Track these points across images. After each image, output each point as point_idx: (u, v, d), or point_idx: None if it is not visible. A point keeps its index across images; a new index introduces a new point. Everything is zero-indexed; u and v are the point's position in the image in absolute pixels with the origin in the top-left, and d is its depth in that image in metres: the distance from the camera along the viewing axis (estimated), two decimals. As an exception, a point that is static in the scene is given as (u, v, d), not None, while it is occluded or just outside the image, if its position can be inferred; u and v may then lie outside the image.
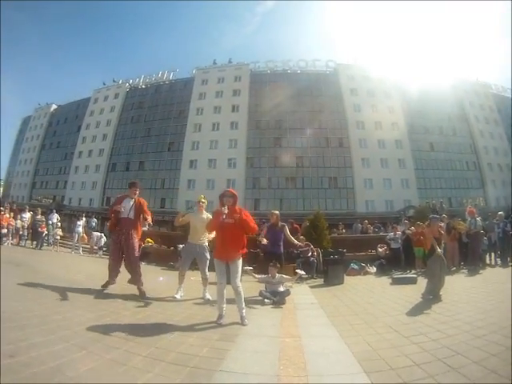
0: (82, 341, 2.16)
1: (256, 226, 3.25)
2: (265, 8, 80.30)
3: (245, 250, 3.13)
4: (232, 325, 2.89)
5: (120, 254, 4.07)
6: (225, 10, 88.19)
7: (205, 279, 4.18)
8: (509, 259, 8.01)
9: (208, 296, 4.07)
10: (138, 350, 2.07)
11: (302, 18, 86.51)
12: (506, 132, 36.95)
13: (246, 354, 2.16)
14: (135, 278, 4.07)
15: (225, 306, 3.01)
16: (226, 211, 2.99)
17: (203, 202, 4.32)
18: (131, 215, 4.10)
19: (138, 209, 4.15)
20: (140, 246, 9.22)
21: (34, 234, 10.38)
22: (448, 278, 5.45)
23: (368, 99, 33.15)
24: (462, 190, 33.56)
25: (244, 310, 3.02)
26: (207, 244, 4.28)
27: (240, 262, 3.08)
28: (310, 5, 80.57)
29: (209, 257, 4.22)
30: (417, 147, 33.05)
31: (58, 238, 10.69)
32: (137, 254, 4.12)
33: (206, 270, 4.19)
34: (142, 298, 3.90)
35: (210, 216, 4.08)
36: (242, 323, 2.92)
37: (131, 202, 4.16)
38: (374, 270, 7.43)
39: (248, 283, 5.56)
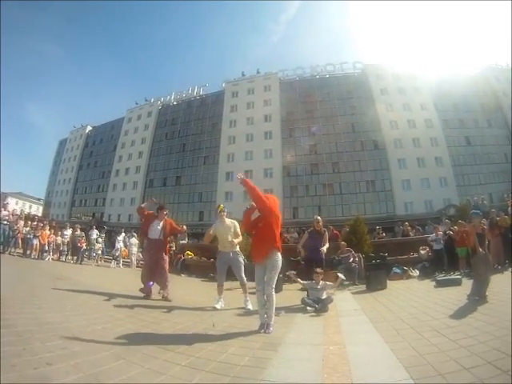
0: (121, 350, 2.17)
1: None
2: (288, 16, 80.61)
3: (278, 246, 3.09)
4: (275, 333, 2.83)
5: (152, 270, 4.58)
6: (248, 22, 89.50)
7: (243, 285, 4.20)
8: None
9: (249, 306, 4.01)
10: (177, 360, 2.04)
11: (325, 22, 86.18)
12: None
13: (288, 363, 2.10)
14: (165, 292, 4.57)
15: (265, 313, 2.99)
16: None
17: (223, 211, 4.36)
18: (161, 236, 4.64)
19: (168, 230, 4.71)
20: (179, 258, 9.61)
21: (74, 249, 10.87)
22: (493, 277, 5.20)
23: (399, 97, 32.53)
24: (502, 184, 32.04)
25: (273, 318, 2.97)
26: (239, 250, 4.35)
27: (276, 265, 3.02)
28: (331, 8, 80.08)
29: (243, 262, 4.29)
30: (453, 143, 31.94)
31: (100, 252, 11.24)
32: (167, 273, 4.64)
33: (243, 274, 4.21)
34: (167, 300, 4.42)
35: (234, 221, 4.35)
36: (266, 330, 2.85)
37: (161, 224, 4.68)
38: (416, 273, 7.23)
39: (289, 292, 5.57)
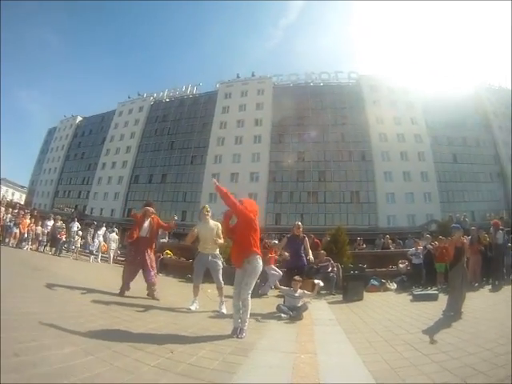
0: (92, 346, 2.16)
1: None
2: (287, 21, 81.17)
3: (256, 251, 3.05)
4: (247, 339, 2.84)
5: (136, 268, 4.59)
6: (248, 24, 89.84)
7: (220, 288, 4.19)
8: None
9: (224, 309, 4.02)
10: (147, 360, 2.04)
11: (324, 31, 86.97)
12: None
13: (258, 369, 2.10)
14: (152, 290, 4.57)
15: (240, 318, 2.98)
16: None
17: (208, 212, 4.32)
18: (148, 234, 4.67)
19: (155, 228, 4.77)
20: (158, 257, 9.51)
21: (53, 240, 10.67)
22: (470, 294, 5.23)
23: (391, 110, 32.78)
24: (485, 203, 32.52)
25: (246, 324, 2.96)
26: (218, 253, 4.31)
27: (255, 271, 3.00)
28: (332, 17, 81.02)
29: (221, 265, 4.26)
30: (440, 159, 32.38)
31: (78, 245, 11.02)
32: (153, 273, 4.64)
33: (220, 278, 4.20)
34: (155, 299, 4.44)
35: (217, 223, 4.25)
36: (239, 335, 2.84)
37: (147, 222, 4.69)
38: (394, 286, 7.28)
39: (266, 298, 5.62)
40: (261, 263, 3.07)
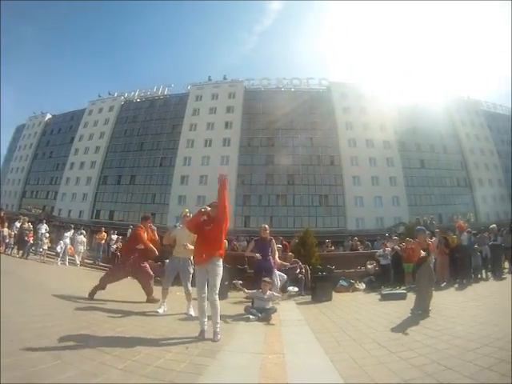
0: (59, 350, 2.17)
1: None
2: (262, 28, 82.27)
3: (222, 252, 3.11)
4: (213, 340, 2.86)
5: (124, 276, 4.84)
6: (223, 28, 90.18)
7: (188, 294, 4.22)
8: (506, 271, 8.09)
9: (191, 312, 4.04)
10: (114, 363, 2.05)
11: (297, 38, 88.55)
12: (497, 148, 37.65)
13: (225, 371, 2.12)
14: (151, 298, 4.73)
15: (206, 320, 2.98)
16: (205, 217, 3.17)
17: (188, 216, 4.33)
18: (141, 246, 4.86)
19: (148, 238, 4.94)
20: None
21: (20, 243, 10.38)
22: (438, 293, 5.39)
23: (360, 117, 33.56)
24: (452, 207, 33.69)
25: (218, 325, 2.96)
26: (191, 258, 4.26)
27: (219, 271, 3.03)
28: (306, 25, 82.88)
29: (192, 271, 4.22)
30: (408, 164, 33.37)
31: (46, 248, 10.65)
32: (151, 279, 4.88)
33: (189, 284, 4.21)
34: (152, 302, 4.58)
35: None
36: (214, 338, 2.84)
37: (145, 235, 4.88)
38: (363, 286, 7.42)
39: (234, 299, 5.59)
40: (222, 265, 3.11)
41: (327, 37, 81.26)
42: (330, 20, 79.42)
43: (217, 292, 2.99)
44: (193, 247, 3.99)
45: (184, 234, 4.21)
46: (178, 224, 4.68)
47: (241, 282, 5.11)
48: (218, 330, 2.92)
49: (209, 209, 3.17)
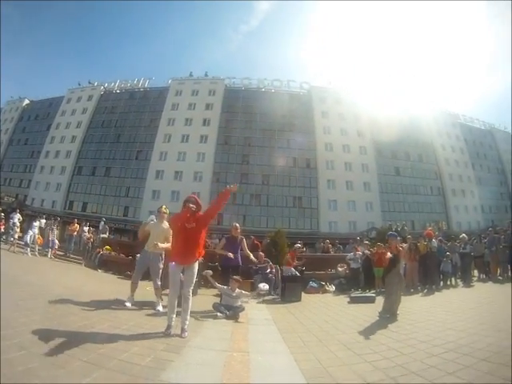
0: (25, 341, 2.17)
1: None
2: (248, 28, 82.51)
3: (203, 254, 3.16)
4: (180, 336, 2.86)
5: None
6: (209, 25, 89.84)
7: (157, 289, 4.19)
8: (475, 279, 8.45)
9: (159, 307, 4.03)
10: (78, 355, 2.07)
11: (283, 40, 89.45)
12: (472, 161, 39.02)
13: (188, 366, 2.12)
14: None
15: (174, 316, 2.96)
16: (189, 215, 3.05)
17: (164, 212, 4.32)
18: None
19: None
20: (98, 252, 9.43)
21: None
22: (407, 298, 5.48)
23: (338, 122, 34.18)
24: (425, 214, 34.67)
25: (187, 322, 2.94)
26: (162, 253, 4.24)
27: (196, 269, 3.08)
28: (292, 26, 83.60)
29: (161, 266, 4.23)
30: (383, 171, 34.11)
31: (17, 237, 10.51)
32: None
33: (158, 279, 4.19)
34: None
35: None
36: (182, 335, 2.82)
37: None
38: (332, 288, 7.49)
39: (204, 296, 5.60)
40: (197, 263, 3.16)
41: (312, 41, 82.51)
42: (316, 24, 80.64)
43: (192, 288, 3.04)
44: (164, 246, 3.92)
45: (158, 230, 4.20)
46: (152, 217, 4.63)
47: (211, 272, 5.08)
48: (186, 326, 2.91)
49: (194, 207, 3.06)
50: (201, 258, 3.26)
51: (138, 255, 4.66)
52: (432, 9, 66.51)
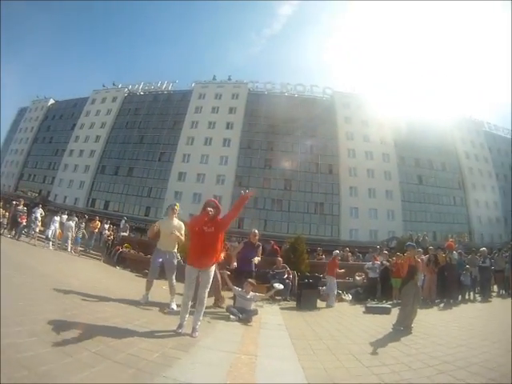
0: (37, 329, 2.23)
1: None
2: (271, 31, 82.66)
3: (220, 258, 3.19)
4: (191, 336, 2.86)
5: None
6: (232, 29, 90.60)
7: (172, 287, 4.19)
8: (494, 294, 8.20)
9: (173, 306, 4.03)
10: (88, 346, 2.11)
11: (306, 45, 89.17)
12: (496, 170, 37.77)
13: (195, 365, 2.14)
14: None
15: (187, 315, 3.00)
16: (207, 219, 3.04)
17: (176, 209, 4.32)
18: None
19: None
20: (117, 250, 9.43)
21: (13, 223, 10.48)
22: (423, 311, 5.35)
23: (361, 128, 33.64)
24: (446, 225, 33.66)
25: (199, 323, 2.96)
26: (176, 251, 4.28)
27: (212, 272, 3.08)
28: (315, 32, 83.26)
29: (176, 264, 4.26)
30: (405, 179, 33.39)
31: (37, 231, 10.71)
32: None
33: (173, 277, 4.20)
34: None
35: (181, 223, 4.24)
36: (192, 334, 2.84)
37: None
38: (349, 297, 7.43)
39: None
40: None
41: (335, 46, 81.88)
42: (339, 29, 79.93)
43: (208, 289, 3.04)
44: (178, 234, 4.07)
45: (169, 227, 4.16)
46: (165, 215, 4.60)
47: (228, 272, 5.10)
48: (197, 326, 2.92)
49: (213, 211, 3.06)
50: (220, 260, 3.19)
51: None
52: (460, 14, 65.09)
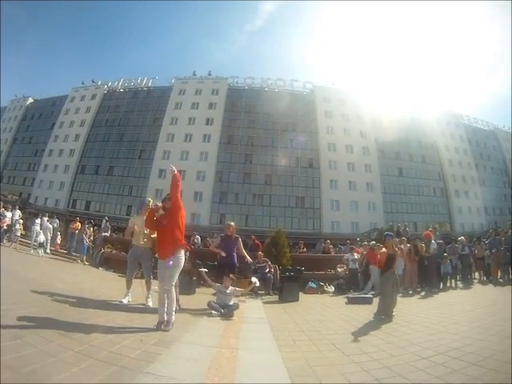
0: (20, 331, 2.28)
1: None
2: (253, 27, 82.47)
3: (183, 243, 3.13)
4: (172, 332, 2.89)
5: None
6: (213, 24, 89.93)
7: (148, 282, 4.21)
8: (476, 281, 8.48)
9: (149, 303, 4.09)
10: (70, 345, 2.14)
11: (287, 40, 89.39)
12: (475, 161, 38.72)
13: (176, 360, 2.17)
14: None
15: (165, 311, 3.01)
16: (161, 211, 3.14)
17: (148, 205, 4.28)
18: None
19: None
20: (100, 251, 9.21)
21: None
22: (404, 299, 5.52)
23: (342, 122, 34.08)
24: (427, 215, 34.37)
25: (173, 316, 2.98)
26: (151, 247, 4.26)
27: (178, 262, 3.02)
28: (296, 27, 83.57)
29: (152, 259, 4.25)
30: (386, 172, 33.93)
31: (19, 235, 10.57)
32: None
33: (150, 272, 4.25)
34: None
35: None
36: (166, 328, 2.87)
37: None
38: (332, 289, 7.49)
39: (201, 295, 5.61)
40: (183, 257, 3.12)
41: (315, 41, 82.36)
42: (320, 24, 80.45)
43: (173, 283, 3.04)
44: (152, 235, 4.06)
45: (142, 221, 4.13)
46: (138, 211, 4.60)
47: (206, 270, 5.11)
48: (172, 320, 2.96)
49: (160, 204, 3.17)
50: (183, 251, 3.17)
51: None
52: (436, 9, 66.07)
